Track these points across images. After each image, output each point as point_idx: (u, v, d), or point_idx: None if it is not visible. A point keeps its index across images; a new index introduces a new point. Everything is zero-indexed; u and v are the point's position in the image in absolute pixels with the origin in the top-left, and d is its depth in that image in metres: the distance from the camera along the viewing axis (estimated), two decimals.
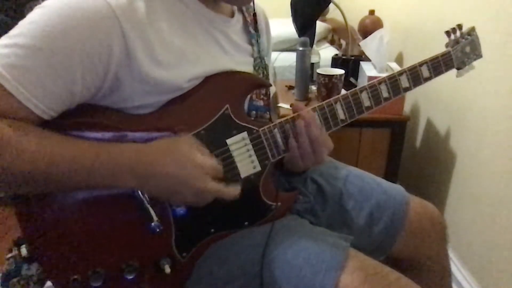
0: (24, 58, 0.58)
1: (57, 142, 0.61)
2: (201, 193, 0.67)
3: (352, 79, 1.83)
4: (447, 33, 0.95)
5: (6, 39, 0.60)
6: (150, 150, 0.65)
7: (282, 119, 0.80)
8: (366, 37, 1.83)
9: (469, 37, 0.96)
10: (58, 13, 0.60)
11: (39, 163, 0.59)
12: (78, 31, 0.60)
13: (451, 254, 1.48)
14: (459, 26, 0.95)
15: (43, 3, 0.62)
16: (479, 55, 0.99)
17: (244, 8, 0.89)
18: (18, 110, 0.59)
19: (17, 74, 0.58)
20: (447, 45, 0.95)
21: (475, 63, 0.98)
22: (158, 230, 0.69)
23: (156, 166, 0.64)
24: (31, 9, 0.62)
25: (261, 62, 0.89)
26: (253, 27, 0.89)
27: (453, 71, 0.97)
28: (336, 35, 2.95)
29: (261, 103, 0.89)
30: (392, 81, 0.87)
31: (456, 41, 0.94)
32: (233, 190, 0.71)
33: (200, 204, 0.69)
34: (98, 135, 0.67)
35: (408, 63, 0.88)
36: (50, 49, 0.59)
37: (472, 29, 0.98)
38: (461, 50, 0.94)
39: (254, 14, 0.89)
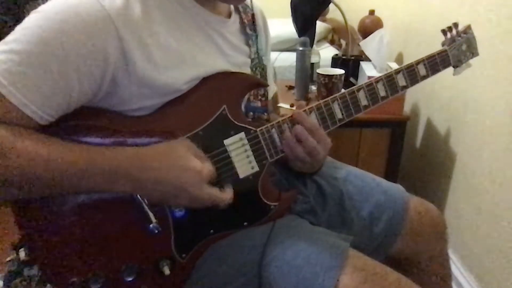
0: (20, 63, 0.58)
1: (53, 146, 0.61)
2: (197, 199, 0.67)
3: (352, 79, 1.82)
4: (443, 31, 0.95)
5: (1, 45, 0.60)
6: (146, 155, 0.65)
7: (280, 119, 0.80)
8: (366, 37, 1.83)
9: (465, 35, 0.96)
10: (53, 18, 0.60)
11: (35, 168, 0.59)
12: (74, 36, 0.60)
13: (451, 254, 1.47)
14: (455, 25, 0.95)
15: (39, 8, 0.62)
16: (475, 53, 0.99)
17: (241, 9, 0.89)
18: (14, 115, 0.59)
19: (13, 80, 0.58)
20: (443, 44, 0.95)
21: (471, 61, 0.99)
22: (157, 231, 0.69)
23: (152, 171, 0.64)
24: (30, 9, 0.62)
25: (258, 63, 0.89)
26: (251, 27, 0.88)
27: (451, 71, 0.97)
28: (336, 35, 2.96)
29: (258, 104, 0.89)
30: (389, 80, 0.87)
31: (453, 40, 0.95)
32: (227, 195, 0.71)
33: (196, 208, 0.69)
34: (96, 137, 0.67)
35: (408, 63, 0.88)
36: (46, 54, 0.59)
37: (468, 27, 0.98)
38: (457, 48, 0.94)
39: (253, 15, 0.89)
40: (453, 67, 0.96)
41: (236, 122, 0.76)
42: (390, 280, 0.72)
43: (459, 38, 0.95)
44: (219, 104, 0.75)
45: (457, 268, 1.45)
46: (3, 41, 0.60)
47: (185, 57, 0.71)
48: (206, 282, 0.77)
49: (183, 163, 0.65)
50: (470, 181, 1.40)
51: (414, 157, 1.89)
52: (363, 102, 0.85)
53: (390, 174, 1.70)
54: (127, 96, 0.67)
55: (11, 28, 0.61)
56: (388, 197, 0.94)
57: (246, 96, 0.86)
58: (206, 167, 0.67)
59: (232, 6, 0.86)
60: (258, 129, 0.78)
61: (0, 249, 1.56)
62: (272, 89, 1.06)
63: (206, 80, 0.74)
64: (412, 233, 0.93)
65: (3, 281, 0.71)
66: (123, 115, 0.69)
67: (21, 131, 0.59)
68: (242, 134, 0.77)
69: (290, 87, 1.88)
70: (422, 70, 0.89)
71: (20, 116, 0.59)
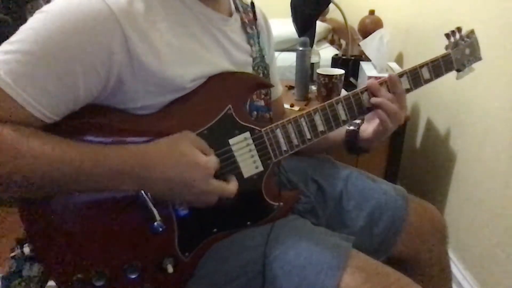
0: (25, 64, 0.58)
1: (58, 145, 0.61)
2: (204, 194, 0.67)
3: (352, 79, 1.83)
4: (447, 35, 0.95)
5: (7, 45, 0.60)
6: (150, 153, 0.65)
7: (284, 119, 0.80)
8: (366, 37, 1.83)
9: (468, 39, 0.96)
10: (58, 17, 0.60)
11: (40, 167, 0.59)
12: (79, 35, 0.60)
13: (451, 254, 1.48)
14: (459, 29, 0.95)
15: (43, 8, 0.62)
16: (478, 58, 0.99)
17: (241, 8, 0.89)
18: (20, 115, 0.59)
19: (19, 80, 0.58)
20: (446, 47, 0.95)
21: (474, 65, 0.99)
22: (160, 230, 0.69)
23: (156, 170, 0.64)
24: (32, 9, 0.62)
25: (260, 62, 0.89)
26: (251, 26, 0.89)
27: (454, 73, 0.97)
28: (336, 35, 2.96)
29: (262, 103, 0.90)
30: None
31: (456, 44, 0.95)
32: (233, 185, 0.71)
33: (203, 205, 0.69)
34: (100, 136, 0.67)
35: (408, 63, 0.89)
36: (51, 54, 0.59)
37: (472, 32, 0.98)
38: (460, 52, 0.94)
39: (254, 14, 0.88)
40: (456, 71, 0.96)
41: (241, 122, 0.77)
42: (391, 280, 0.72)
43: (463, 42, 0.95)
44: (225, 103, 0.75)
45: (457, 268, 1.45)
46: (7, 41, 0.60)
47: (188, 54, 0.72)
48: (209, 281, 0.77)
49: (188, 159, 0.65)
50: (470, 181, 1.41)
51: (414, 157, 1.90)
52: (368, 104, 0.85)
53: (390, 174, 1.70)
54: (132, 93, 0.67)
55: (11, 28, 0.61)
56: (389, 197, 0.95)
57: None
58: (211, 161, 0.68)
59: (232, 5, 0.86)
60: (262, 129, 0.79)
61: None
62: (279, 89, 1.06)
63: (211, 79, 0.74)
64: (412, 233, 0.94)
65: (2, 282, 0.71)
66: (127, 113, 0.69)
67: (27, 130, 0.60)
68: (247, 134, 0.77)
69: (290, 87, 1.88)
70: (425, 74, 0.89)
71: (26, 115, 0.60)
